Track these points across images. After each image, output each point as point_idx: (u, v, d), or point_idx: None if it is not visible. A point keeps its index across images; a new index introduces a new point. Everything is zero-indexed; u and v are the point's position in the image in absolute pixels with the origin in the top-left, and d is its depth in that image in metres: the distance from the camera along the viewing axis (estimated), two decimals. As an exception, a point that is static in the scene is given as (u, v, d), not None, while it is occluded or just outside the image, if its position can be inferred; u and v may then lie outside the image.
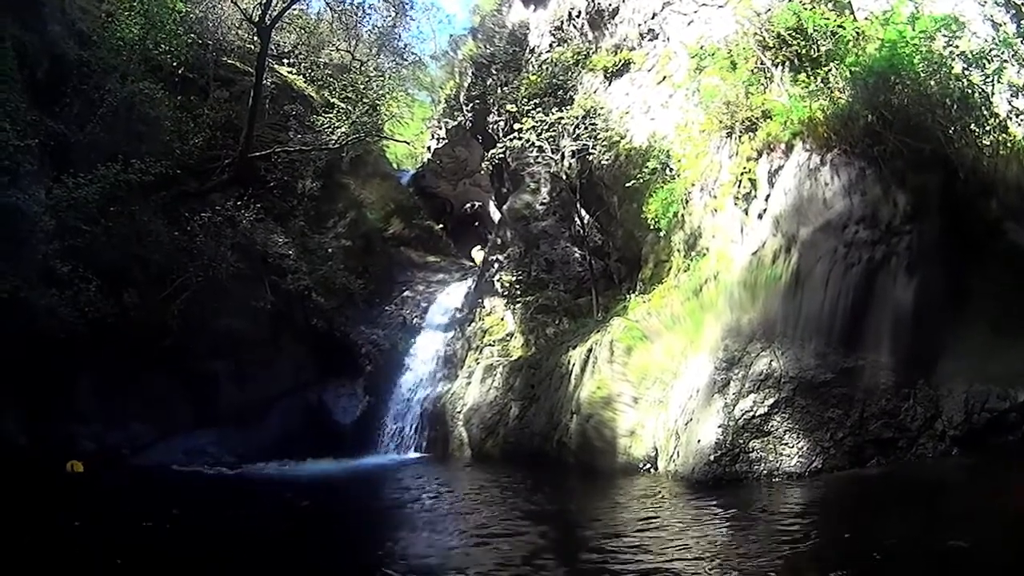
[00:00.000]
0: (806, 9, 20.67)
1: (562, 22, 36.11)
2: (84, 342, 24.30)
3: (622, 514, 15.67)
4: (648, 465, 19.67)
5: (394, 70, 47.18)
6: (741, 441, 16.39)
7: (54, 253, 23.31)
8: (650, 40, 30.80)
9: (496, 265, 34.02)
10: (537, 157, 30.40)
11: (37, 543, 13.15)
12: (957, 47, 17.88)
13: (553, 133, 28.62)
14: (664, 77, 28.83)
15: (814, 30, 20.11)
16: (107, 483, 23.03)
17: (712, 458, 16.44)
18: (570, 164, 29.12)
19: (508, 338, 31.27)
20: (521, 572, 11.43)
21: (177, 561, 12.44)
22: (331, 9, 44.84)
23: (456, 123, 45.87)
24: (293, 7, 38.02)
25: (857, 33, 19.31)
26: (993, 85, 17.64)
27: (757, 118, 20.40)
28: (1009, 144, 17.15)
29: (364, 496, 22.27)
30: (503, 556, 12.31)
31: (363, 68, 44.54)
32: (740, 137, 20.82)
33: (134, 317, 26.54)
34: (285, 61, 42.03)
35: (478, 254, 42.86)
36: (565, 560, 11.99)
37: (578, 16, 35.12)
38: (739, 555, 11.14)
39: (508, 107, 33.09)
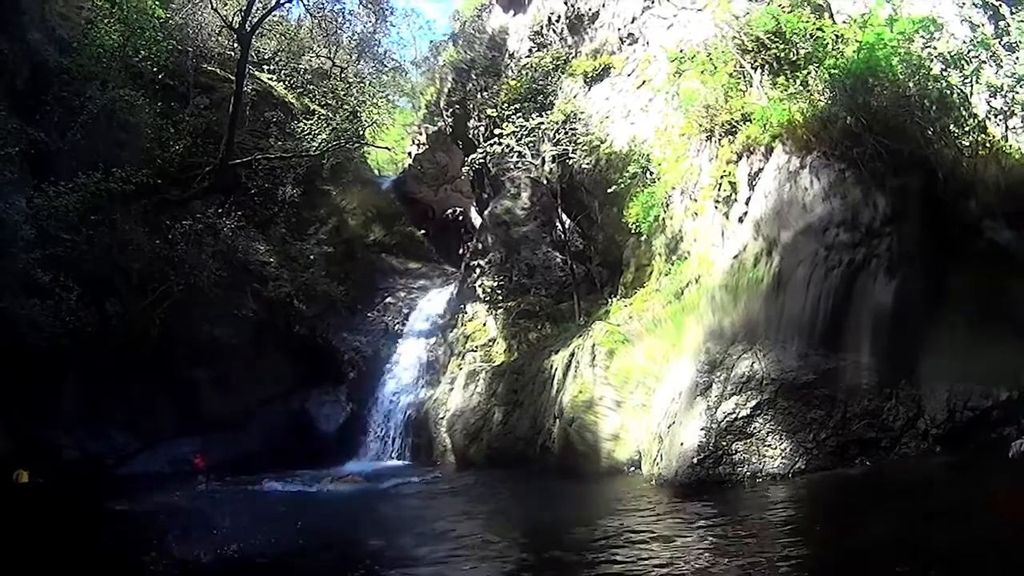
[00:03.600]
0: (785, 12, 20.72)
1: (542, 27, 36.11)
2: (67, 352, 24.22)
3: (605, 518, 15.59)
4: (632, 468, 19.67)
5: (374, 76, 47.26)
6: (724, 443, 16.38)
7: (35, 262, 23.17)
8: (630, 44, 30.88)
9: (477, 271, 33.97)
10: (517, 162, 30.35)
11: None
12: (935, 48, 17.99)
13: (533, 138, 28.58)
14: (644, 81, 28.89)
15: (793, 33, 20.17)
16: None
17: (695, 461, 16.43)
18: (551, 169, 29.12)
19: (490, 344, 31.21)
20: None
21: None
22: (311, 15, 44.66)
23: (436, 129, 45.91)
24: (273, 14, 38.01)
25: (836, 36, 19.40)
26: (971, 86, 17.76)
27: (737, 121, 20.47)
28: (988, 144, 17.25)
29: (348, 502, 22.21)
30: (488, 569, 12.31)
31: (343, 74, 44.65)
32: (720, 140, 20.90)
33: (116, 326, 26.48)
34: (265, 68, 41.98)
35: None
36: (551, 567, 11.99)
37: (558, 21, 35.15)
38: (721, 558, 11.14)
39: (488, 112, 33.07)
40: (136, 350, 26.99)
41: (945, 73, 17.81)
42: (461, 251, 45.33)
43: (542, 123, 28.62)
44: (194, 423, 29.15)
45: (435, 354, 33.40)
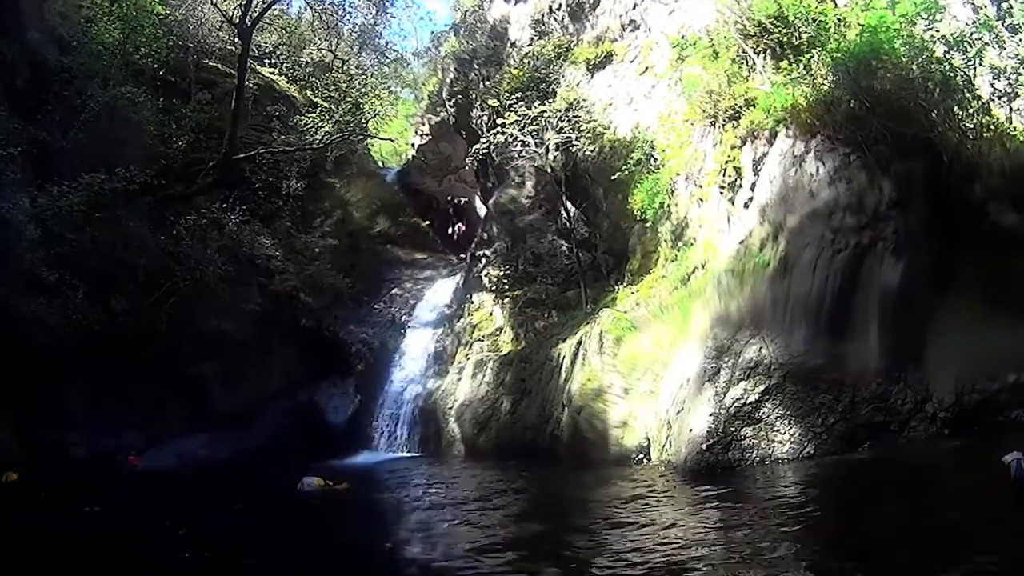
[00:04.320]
0: (786, -4, 20.68)
1: (543, 15, 36.05)
2: (74, 349, 24.21)
3: (618, 506, 15.63)
4: (641, 455, 19.69)
5: (376, 68, 47.20)
6: (733, 429, 16.45)
7: (40, 261, 23.12)
8: (631, 31, 30.84)
9: (483, 260, 33.96)
10: (521, 151, 30.28)
11: None
12: (938, 31, 17.92)
13: (536, 127, 28.53)
14: (646, 68, 28.85)
15: (795, 17, 20.12)
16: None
17: (704, 447, 16.49)
18: (554, 157, 29.02)
19: (497, 333, 31.21)
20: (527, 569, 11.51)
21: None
22: (311, 8, 44.61)
23: (439, 119, 45.76)
24: (273, 7, 37.95)
25: (838, 19, 19.34)
26: (975, 68, 17.69)
27: (740, 106, 20.44)
28: (992, 126, 17.20)
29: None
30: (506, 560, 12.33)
31: (345, 67, 44.44)
32: (724, 126, 20.86)
33: (123, 323, 26.45)
34: (267, 62, 41.88)
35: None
36: (569, 554, 12.03)
37: (559, 9, 35.10)
38: (731, 542, 11.17)
39: (490, 102, 32.98)
40: (143, 347, 26.95)
41: (948, 55, 17.75)
42: (454, 236, 45.48)
43: (545, 111, 28.59)
44: (202, 419, 29.10)
45: (442, 344, 33.37)
